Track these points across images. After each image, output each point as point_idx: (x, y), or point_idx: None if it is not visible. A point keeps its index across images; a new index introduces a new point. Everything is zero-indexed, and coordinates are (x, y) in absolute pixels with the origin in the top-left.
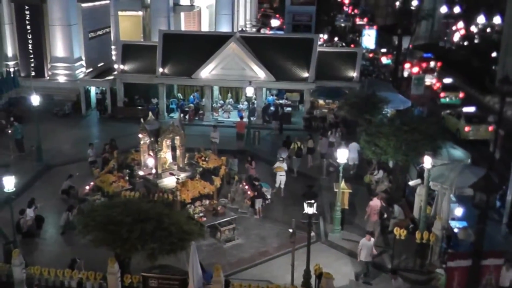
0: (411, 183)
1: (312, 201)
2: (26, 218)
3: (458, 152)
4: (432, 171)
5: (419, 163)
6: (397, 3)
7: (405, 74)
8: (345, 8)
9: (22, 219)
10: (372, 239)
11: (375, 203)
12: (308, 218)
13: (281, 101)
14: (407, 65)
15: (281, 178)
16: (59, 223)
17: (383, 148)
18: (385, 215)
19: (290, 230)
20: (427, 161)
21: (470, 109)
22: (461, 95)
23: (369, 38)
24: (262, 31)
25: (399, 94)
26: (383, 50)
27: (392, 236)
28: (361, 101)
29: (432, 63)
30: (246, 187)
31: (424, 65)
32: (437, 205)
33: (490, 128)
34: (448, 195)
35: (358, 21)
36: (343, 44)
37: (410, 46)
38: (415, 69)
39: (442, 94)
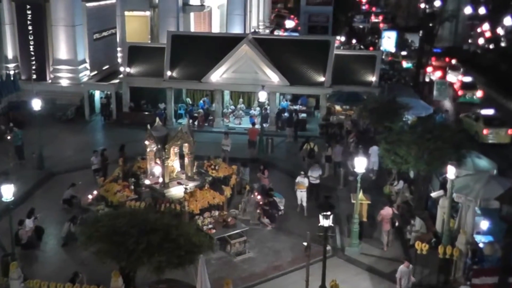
0: (433, 194)
1: (329, 212)
2: (26, 229)
3: (483, 162)
4: (456, 182)
5: (442, 173)
6: (421, 5)
7: (427, 78)
8: (363, 7)
9: (21, 230)
10: (411, 265)
11: (387, 211)
12: (324, 231)
13: (295, 107)
14: (429, 69)
15: (301, 195)
16: (60, 234)
17: (403, 157)
18: (397, 223)
19: (305, 244)
20: (451, 171)
21: (489, 111)
22: (480, 94)
23: (389, 41)
24: (276, 32)
25: (421, 99)
26: (404, 53)
27: (414, 250)
28: (380, 107)
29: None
30: (258, 197)
31: (446, 60)
32: (461, 218)
33: (510, 131)
34: (473, 208)
35: (374, 19)
36: (362, 46)
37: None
38: (438, 73)
39: (460, 92)
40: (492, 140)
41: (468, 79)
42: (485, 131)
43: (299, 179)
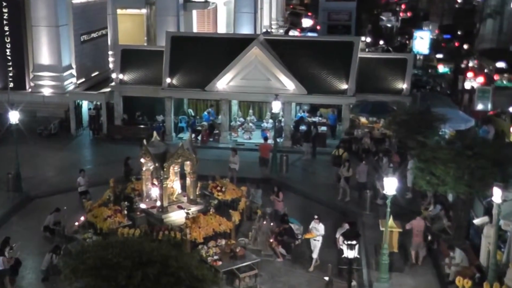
0: (476, 221)
1: (354, 242)
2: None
3: None
4: (503, 207)
5: (486, 196)
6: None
7: (468, 85)
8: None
9: None
10: None
11: (418, 222)
12: (349, 263)
13: (314, 119)
14: (469, 74)
15: (315, 244)
16: (40, 267)
17: (440, 178)
18: (430, 237)
19: (326, 278)
20: (497, 194)
21: None
22: None
23: (422, 42)
24: (291, 33)
25: (460, 110)
26: (439, 56)
27: (454, 287)
28: (412, 119)
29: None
30: (272, 224)
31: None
32: (510, 249)
33: None
34: None
35: (402, 16)
36: (390, 48)
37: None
38: (480, 79)
39: (496, 77)
40: None
41: (501, 64)
42: None
43: (313, 224)
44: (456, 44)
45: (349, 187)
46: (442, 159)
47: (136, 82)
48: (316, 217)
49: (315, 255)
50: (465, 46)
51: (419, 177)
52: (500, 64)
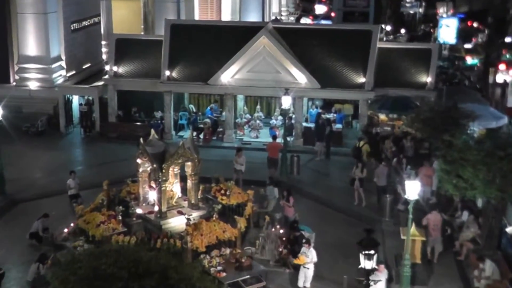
0: (509, 229)
1: (372, 251)
2: None
3: None
4: None
5: None
6: None
7: (500, 78)
8: None
9: None
10: None
11: (435, 217)
12: (366, 275)
13: (327, 116)
14: (501, 66)
15: (305, 272)
16: (26, 278)
17: (468, 181)
18: (448, 231)
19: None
20: None
21: None
22: None
23: (448, 30)
24: (302, 20)
25: (491, 106)
26: (468, 45)
27: None
28: (437, 116)
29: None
30: (281, 231)
31: None
32: None
33: None
34: None
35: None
36: (413, 37)
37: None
38: None
39: None
40: None
41: None
42: None
43: (303, 249)
44: (469, 23)
45: (364, 191)
46: (471, 160)
47: (132, 75)
48: (305, 240)
49: (308, 284)
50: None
51: (445, 180)
52: None
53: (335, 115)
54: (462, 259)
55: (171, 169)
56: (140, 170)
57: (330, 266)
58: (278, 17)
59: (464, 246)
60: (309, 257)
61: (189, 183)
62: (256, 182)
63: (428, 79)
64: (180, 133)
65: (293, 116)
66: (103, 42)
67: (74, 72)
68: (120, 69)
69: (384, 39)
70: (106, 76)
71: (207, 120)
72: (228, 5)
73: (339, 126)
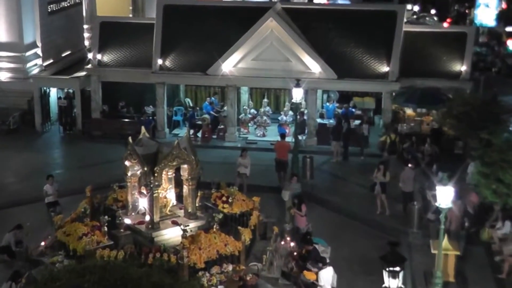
0: None
1: (397, 268)
2: None
3: None
4: None
5: None
6: None
7: None
8: None
9: None
10: None
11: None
12: None
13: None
14: None
15: None
16: None
17: (510, 186)
18: (467, 224)
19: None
20: None
21: None
22: None
23: (487, 10)
24: (316, 0)
25: None
26: (510, 29)
27: None
28: (473, 111)
29: None
30: (292, 244)
31: None
32: None
33: None
34: None
35: None
36: (444, 19)
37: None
38: None
39: None
40: None
41: None
42: None
43: (308, 265)
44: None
45: (388, 197)
46: None
47: (119, 64)
48: (321, 260)
49: None
50: None
51: (482, 185)
52: None
53: (354, 110)
54: (503, 277)
55: (164, 172)
56: (129, 173)
57: (348, 284)
58: None
59: (506, 262)
60: (323, 280)
61: (186, 188)
62: (263, 187)
63: (462, 67)
64: (175, 131)
65: (306, 111)
66: (86, 26)
67: (51, 61)
68: (105, 57)
69: (412, 20)
70: (89, 66)
71: (206, 116)
72: None
73: (357, 122)
